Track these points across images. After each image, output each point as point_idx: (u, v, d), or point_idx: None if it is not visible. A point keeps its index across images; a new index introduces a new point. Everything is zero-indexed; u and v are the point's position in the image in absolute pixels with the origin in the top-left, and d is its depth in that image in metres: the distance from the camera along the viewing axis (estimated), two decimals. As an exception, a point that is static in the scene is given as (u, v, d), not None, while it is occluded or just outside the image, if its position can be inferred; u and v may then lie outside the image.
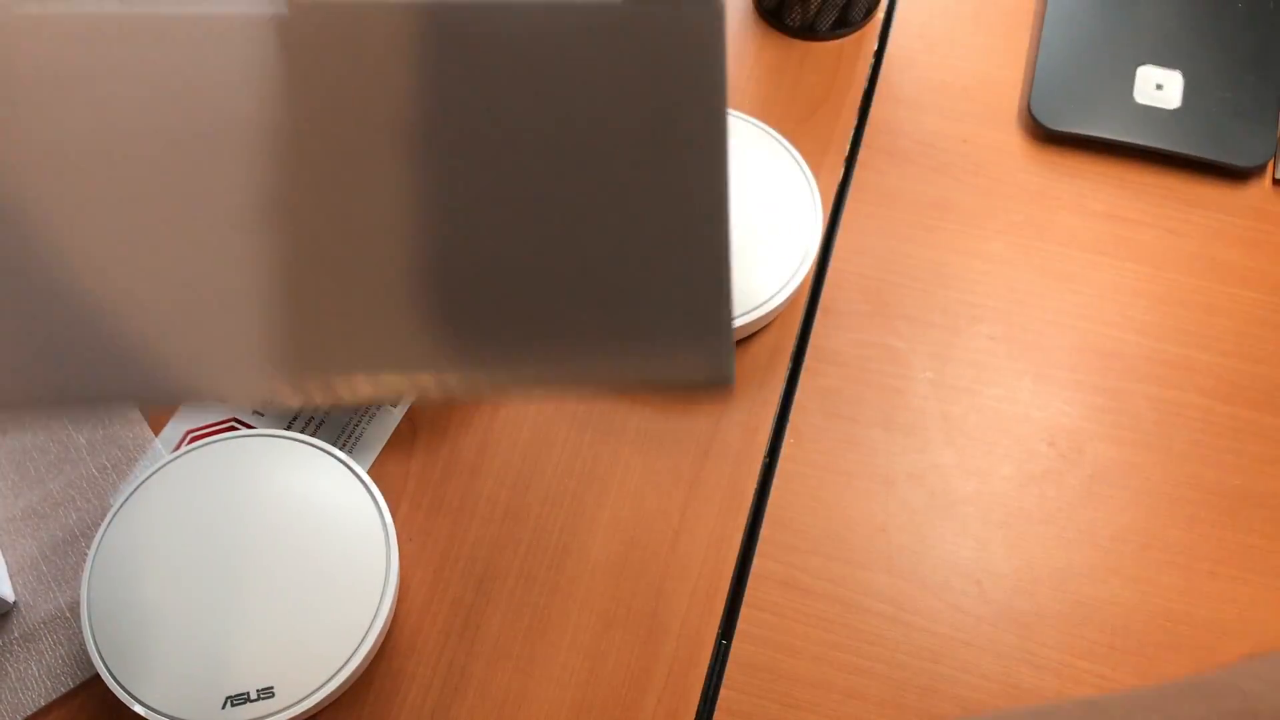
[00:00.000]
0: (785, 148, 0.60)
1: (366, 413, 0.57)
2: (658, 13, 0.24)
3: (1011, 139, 0.65)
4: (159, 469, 0.51)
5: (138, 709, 0.46)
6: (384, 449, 0.55)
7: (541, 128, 0.25)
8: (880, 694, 0.50)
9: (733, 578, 0.52)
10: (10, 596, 0.51)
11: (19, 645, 0.51)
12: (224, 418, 0.57)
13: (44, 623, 0.51)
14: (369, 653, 0.48)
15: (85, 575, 0.49)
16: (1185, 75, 0.64)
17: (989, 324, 0.59)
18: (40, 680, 0.50)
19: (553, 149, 0.26)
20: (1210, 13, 0.66)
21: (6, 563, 0.52)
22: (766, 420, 0.56)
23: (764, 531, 0.53)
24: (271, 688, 0.47)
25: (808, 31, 0.68)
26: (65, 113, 0.24)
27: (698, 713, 0.49)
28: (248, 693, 0.47)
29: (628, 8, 0.24)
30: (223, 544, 0.49)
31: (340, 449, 0.52)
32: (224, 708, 0.46)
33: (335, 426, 0.56)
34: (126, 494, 0.50)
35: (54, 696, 0.50)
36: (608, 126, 0.25)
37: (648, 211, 0.27)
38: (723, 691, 0.50)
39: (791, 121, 0.65)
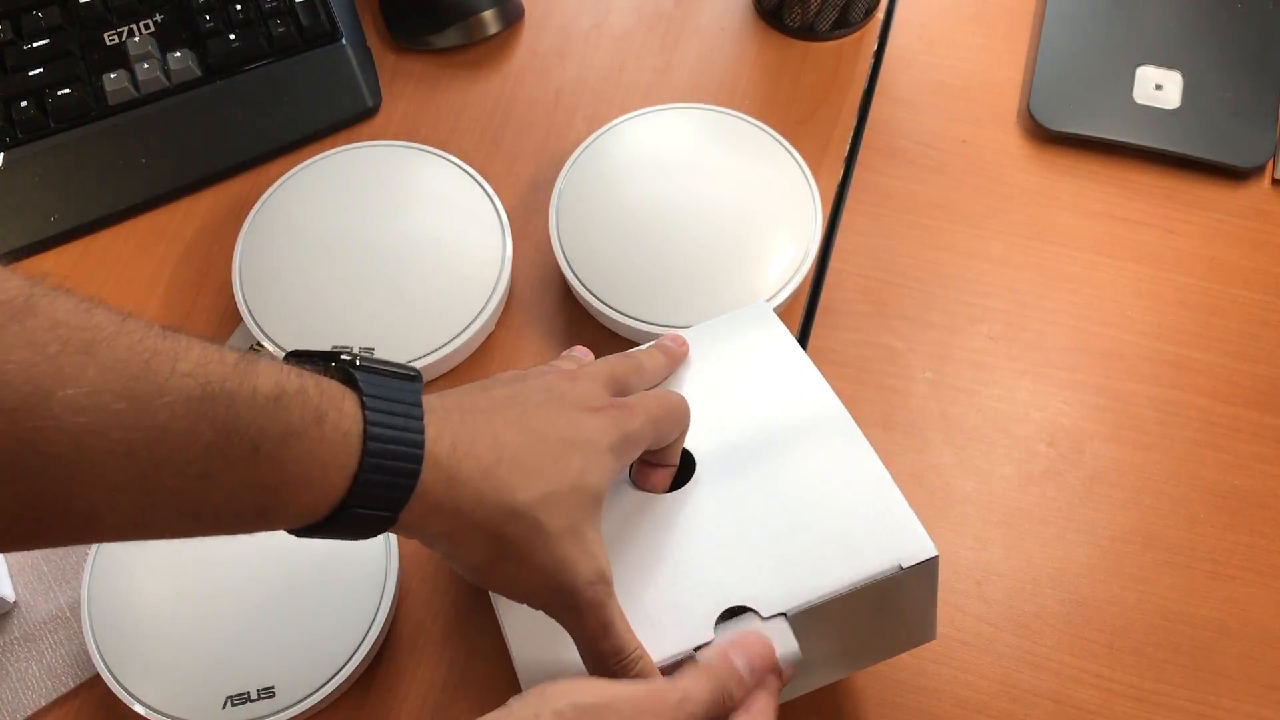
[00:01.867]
0: (785, 148, 0.60)
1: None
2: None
3: (1011, 139, 0.65)
4: (159, 469, 0.51)
5: (138, 709, 0.46)
6: (384, 449, 0.55)
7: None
8: (880, 694, 0.50)
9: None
10: (11, 596, 0.51)
11: (19, 645, 0.51)
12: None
13: (44, 623, 0.51)
14: (369, 653, 0.48)
15: (85, 575, 0.49)
16: (1185, 75, 0.64)
17: (988, 324, 0.59)
18: (41, 680, 0.50)
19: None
20: (1210, 13, 0.66)
21: (7, 563, 0.53)
22: (766, 420, 0.56)
23: (764, 531, 0.53)
24: (272, 687, 0.47)
25: (807, 32, 0.68)
26: None
27: None
28: (248, 692, 0.47)
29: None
30: (222, 544, 0.49)
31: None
32: (224, 707, 0.46)
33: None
34: (127, 494, 0.51)
35: (54, 696, 0.50)
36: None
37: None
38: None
39: (791, 121, 0.65)
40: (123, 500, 0.30)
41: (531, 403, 0.39)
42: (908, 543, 0.42)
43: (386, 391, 0.35)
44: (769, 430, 0.46)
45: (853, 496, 0.44)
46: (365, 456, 0.33)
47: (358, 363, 0.35)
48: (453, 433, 0.36)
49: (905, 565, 0.42)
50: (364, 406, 0.34)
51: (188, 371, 0.30)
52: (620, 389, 0.44)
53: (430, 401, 0.36)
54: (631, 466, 0.46)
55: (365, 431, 0.33)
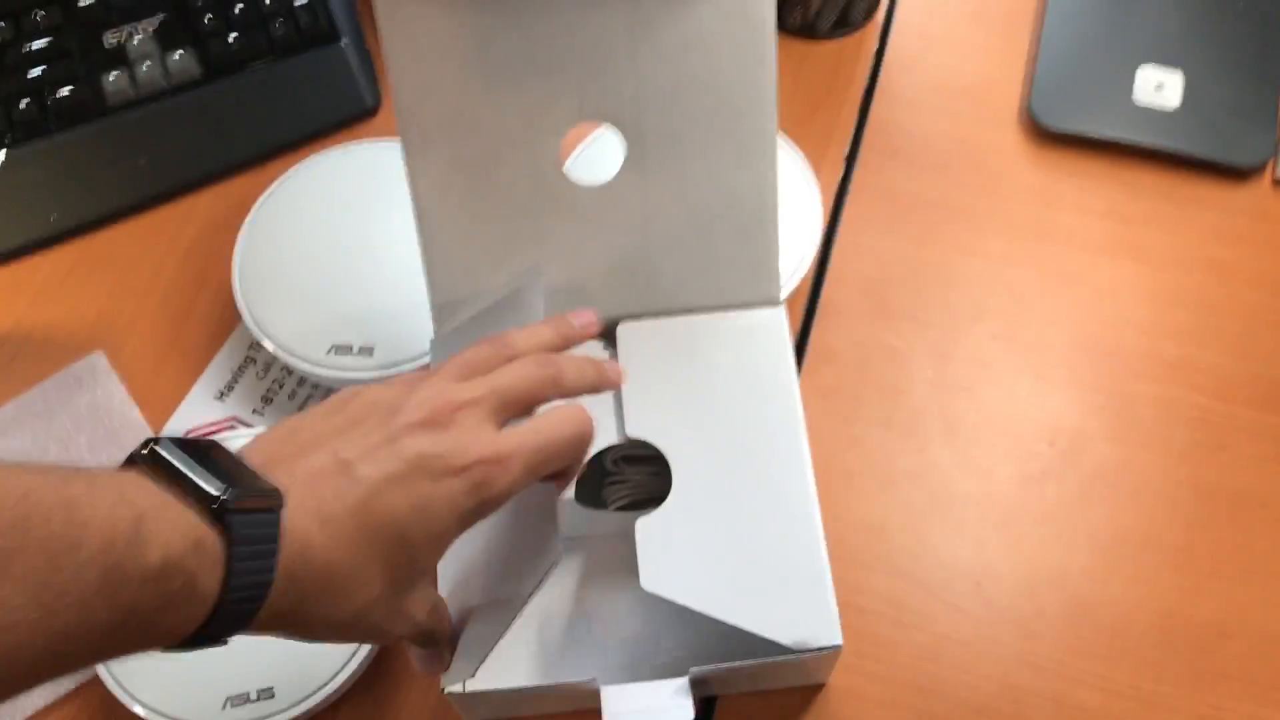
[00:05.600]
0: (786, 147, 0.60)
1: (366, 413, 0.57)
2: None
3: (1011, 139, 0.65)
4: (159, 469, 0.51)
5: (138, 709, 0.47)
6: (384, 449, 0.55)
7: None
8: (880, 695, 0.50)
9: (732, 578, 0.52)
10: (11, 596, 0.51)
11: (19, 645, 0.51)
12: (224, 417, 0.57)
13: (44, 623, 0.51)
14: (369, 653, 0.48)
15: (85, 575, 0.49)
16: (1185, 75, 0.64)
17: (989, 323, 0.59)
18: (41, 680, 0.50)
19: None
20: (1210, 12, 0.66)
21: (7, 563, 0.52)
22: (766, 420, 0.56)
23: (764, 531, 0.53)
24: (271, 688, 0.47)
25: (808, 31, 0.68)
26: None
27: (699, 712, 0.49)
28: (248, 693, 0.47)
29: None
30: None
31: (340, 449, 0.52)
32: (224, 708, 0.46)
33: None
34: (127, 494, 0.50)
35: (54, 697, 0.50)
36: None
37: None
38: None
39: (791, 121, 0.65)
40: (29, 687, 0.29)
41: (374, 480, 0.34)
42: (816, 628, 0.42)
43: (252, 532, 0.32)
44: (736, 462, 0.46)
45: (784, 567, 0.44)
46: (220, 606, 0.32)
47: (231, 503, 0.32)
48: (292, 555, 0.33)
49: (808, 648, 0.42)
50: (229, 570, 0.31)
51: (87, 560, 0.28)
52: (519, 409, 0.38)
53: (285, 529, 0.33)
54: None
55: (226, 585, 0.32)
